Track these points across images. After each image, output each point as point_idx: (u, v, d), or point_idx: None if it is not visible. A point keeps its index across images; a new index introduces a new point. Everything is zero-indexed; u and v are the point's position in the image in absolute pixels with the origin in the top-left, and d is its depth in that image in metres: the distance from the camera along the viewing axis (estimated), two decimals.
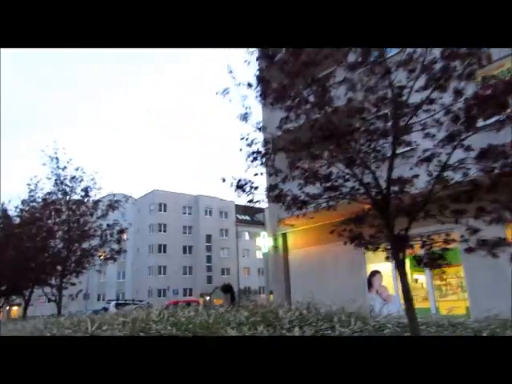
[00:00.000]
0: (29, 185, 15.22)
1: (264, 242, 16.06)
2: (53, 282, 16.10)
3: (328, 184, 5.14)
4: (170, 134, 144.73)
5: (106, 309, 26.63)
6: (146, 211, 54.93)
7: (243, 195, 5.34)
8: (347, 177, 5.14)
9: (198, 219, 57.16)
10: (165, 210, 54.96)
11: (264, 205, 6.06)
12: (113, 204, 15.25)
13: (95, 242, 15.70)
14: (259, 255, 63.06)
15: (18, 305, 56.89)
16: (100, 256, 16.69)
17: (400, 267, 4.54)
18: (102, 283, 55.97)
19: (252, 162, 5.30)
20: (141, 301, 35.20)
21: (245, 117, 5.25)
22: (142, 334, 5.21)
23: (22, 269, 16.79)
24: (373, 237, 4.94)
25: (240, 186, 5.32)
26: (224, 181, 5.44)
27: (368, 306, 9.50)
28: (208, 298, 52.30)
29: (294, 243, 14.64)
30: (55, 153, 14.64)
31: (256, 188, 5.31)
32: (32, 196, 15.30)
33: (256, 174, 5.47)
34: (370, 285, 12.22)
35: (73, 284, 15.31)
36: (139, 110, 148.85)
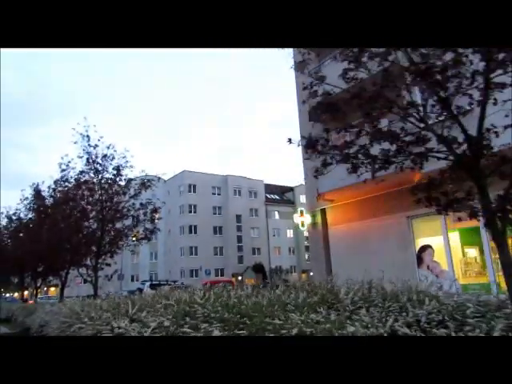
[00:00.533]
0: (60, 164, 14.92)
1: (301, 219, 15.34)
2: (88, 262, 16.00)
3: (401, 141, 4.30)
4: (199, 113, 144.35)
5: (140, 289, 26.73)
6: (176, 192, 55.03)
7: (314, 157, 4.54)
8: (424, 133, 4.28)
9: (228, 199, 56.91)
10: (194, 191, 54.92)
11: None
12: (145, 183, 14.78)
13: (128, 222, 15.39)
14: (290, 234, 62.64)
15: (55, 286, 58.77)
16: (133, 237, 16.42)
17: (498, 237, 3.70)
18: (135, 264, 56.97)
19: (324, 112, 4.46)
20: (175, 281, 35.37)
21: (301, 65, 4.43)
22: (187, 318, 4.63)
23: (57, 250, 16.80)
24: (462, 200, 4.07)
25: (310, 145, 4.52)
26: (290, 141, 4.67)
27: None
28: (240, 277, 52.53)
29: (334, 219, 13.84)
30: (86, 130, 14.24)
31: (333, 147, 4.49)
32: (64, 176, 15.04)
33: (327, 130, 4.67)
34: (419, 261, 11.35)
35: (108, 265, 15.10)
36: (168, 88, 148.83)
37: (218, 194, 57.02)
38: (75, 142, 14.12)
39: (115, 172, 14.35)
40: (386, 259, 11.65)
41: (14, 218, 22.72)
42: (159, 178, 14.80)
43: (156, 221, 15.38)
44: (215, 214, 56.15)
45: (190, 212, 53.98)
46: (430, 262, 11.12)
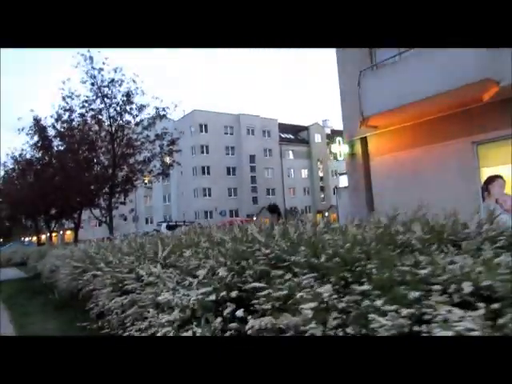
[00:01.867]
0: (62, 89, 12.97)
1: (338, 149, 13.55)
2: (101, 202, 14.73)
3: None
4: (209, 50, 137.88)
5: (157, 231, 25.79)
6: (187, 133, 53.01)
7: None
8: None
9: (240, 139, 54.88)
10: (206, 131, 52.84)
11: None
12: (160, 112, 12.92)
13: (142, 156, 13.82)
14: (304, 175, 61.11)
15: (71, 229, 58.82)
16: (145, 178, 14.94)
17: None
18: (149, 207, 56.54)
19: None
20: (192, 222, 34.57)
21: None
22: (250, 261, 3.17)
23: (67, 190, 15.53)
24: None
25: None
26: None
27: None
28: (255, 218, 51.81)
29: (378, 148, 12.07)
30: (88, 51, 12.24)
31: None
32: (67, 104, 13.18)
33: None
34: (486, 194, 9.70)
35: (122, 203, 13.80)
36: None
37: (231, 134, 54.92)
38: (76, 66, 12.18)
39: (125, 99, 12.49)
40: (442, 192, 10.00)
41: (19, 159, 21.27)
42: (176, 106, 12.89)
43: (174, 153, 13.76)
44: (228, 154, 54.42)
45: (202, 153, 52.32)
46: (500, 195, 9.46)
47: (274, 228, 3.89)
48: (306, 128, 62.77)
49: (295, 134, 62.87)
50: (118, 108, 12.56)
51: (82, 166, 13.56)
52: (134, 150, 13.17)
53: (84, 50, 12.09)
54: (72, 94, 12.91)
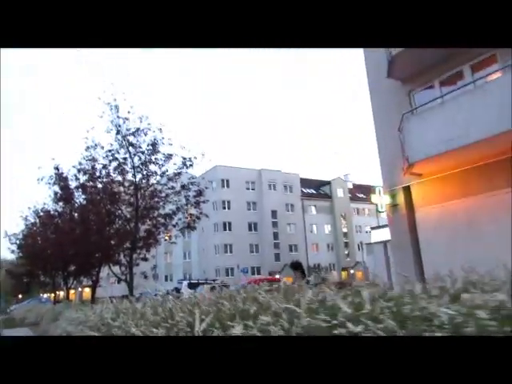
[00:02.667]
0: (86, 138, 12.50)
1: (379, 200, 12.50)
2: (121, 259, 13.82)
3: None
4: (230, 106, 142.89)
5: (178, 289, 24.45)
6: (209, 188, 52.83)
7: None
8: None
9: (262, 194, 54.28)
10: (228, 186, 52.60)
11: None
12: (186, 161, 12.28)
13: (167, 209, 13.03)
14: (327, 230, 59.41)
15: (89, 286, 57.43)
16: (166, 236, 14.08)
17: None
18: (168, 264, 55.31)
19: None
20: (214, 280, 33.09)
21: None
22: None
23: (87, 245, 14.77)
24: None
25: None
26: None
27: None
28: (277, 275, 49.83)
29: (423, 198, 10.99)
30: (114, 99, 11.91)
31: None
32: (90, 154, 12.67)
33: None
34: None
35: (144, 259, 12.82)
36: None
37: (252, 189, 54.45)
38: (101, 116, 11.82)
39: (150, 148, 11.96)
40: (503, 247, 8.73)
41: (40, 213, 20.87)
42: (203, 155, 12.28)
43: (201, 205, 12.93)
44: (250, 209, 53.60)
45: (224, 208, 51.67)
46: None
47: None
48: (328, 182, 62.06)
49: (317, 189, 62.12)
50: (143, 157, 12.03)
51: (103, 219, 12.85)
52: (158, 203, 12.44)
53: (110, 99, 11.80)
54: (96, 144, 12.47)
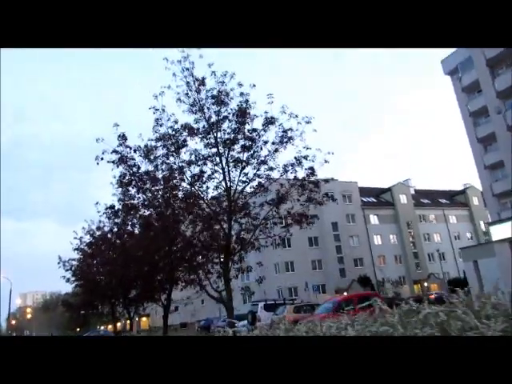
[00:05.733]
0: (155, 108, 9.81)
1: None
2: (201, 277, 10.92)
3: None
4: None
5: (253, 313, 21.07)
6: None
7: None
8: None
9: (321, 206, 50.43)
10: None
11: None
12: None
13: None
14: (393, 240, 54.43)
15: (147, 315, 55.27)
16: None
17: None
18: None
19: None
20: (293, 299, 29.51)
21: None
22: None
23: (154, 261, 11.98)
24: None
25: None
26: None
27: None
28: (345, 293, 45.60)
29: None
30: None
31: None
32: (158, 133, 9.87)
33: None
34: None
35: (241, 271, 9.94)
36: None
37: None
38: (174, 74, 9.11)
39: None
40: None
41: (96, 233, 18.40)
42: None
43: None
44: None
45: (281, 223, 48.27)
46: None
47: None
48: (388, 189, 57.39)
49: (377, 197, 57.52)
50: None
51: (174, 223, 10.03)
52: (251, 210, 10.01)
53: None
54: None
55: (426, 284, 50.89)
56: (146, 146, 10.79)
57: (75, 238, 20.22)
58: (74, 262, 21.49)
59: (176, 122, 10.25)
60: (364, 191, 55.78)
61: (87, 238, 19.85)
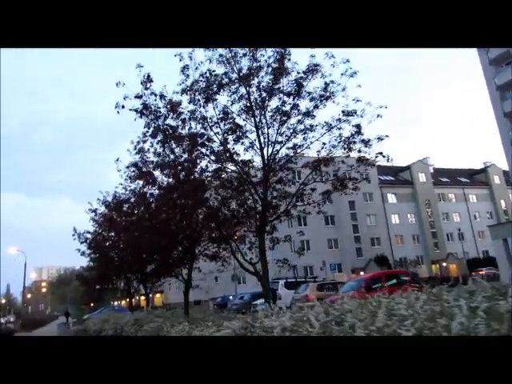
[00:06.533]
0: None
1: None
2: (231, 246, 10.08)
3: None
4: None
5: (273, 290, 20.24)
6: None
7: None
8: None
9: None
10: (299, 177, 48.12)
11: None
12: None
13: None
14: (411, 219, 53.11)
15: (160, 292, 54.97)
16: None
17: None
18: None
19: None
20: (315, 277, 28.64)
21: None
22: None
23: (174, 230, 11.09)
24: None
25: None
26: None
27: None
28: (362, 272, 44.79)
29: None
30: None
31: None
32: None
33: None
34: None
35: (276, 241, 9.15)
36: None
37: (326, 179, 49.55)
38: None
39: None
40: None
41: (112, 201, 17.51)
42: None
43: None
44: (325, 201, 48.65)
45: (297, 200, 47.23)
46: None
47: None
48: (407, 168, 55.70)
49: (395, 175, 55.94)
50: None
51: (198, 185, 9.08)
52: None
53: None
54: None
55: (444, 264, 49.75)
56: (170, 99, 9.66)
57: (90, 209, 19.43)
58: (89, 236, 20.73)
59: (209, 72, 9.12)
60: (382, 169, 54.22)
61: (102, 210, 19.04)
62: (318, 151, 9.59)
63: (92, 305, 53.05)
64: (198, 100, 9.29)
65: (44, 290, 75.32)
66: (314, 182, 9.86)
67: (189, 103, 9.44)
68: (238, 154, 9.76)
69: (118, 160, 12.67)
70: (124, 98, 9.45)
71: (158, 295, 56.45)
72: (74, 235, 20.54)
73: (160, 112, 9.74)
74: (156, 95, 9.63)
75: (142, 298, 40.73)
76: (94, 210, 19.38)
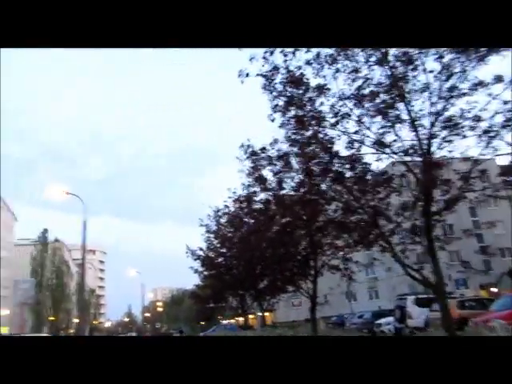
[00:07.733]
0: None
1: None
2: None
3: None
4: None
5: (401, 307, 17.90)
6: None
7: None
8: None
9: None
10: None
11: None
12: None
13: None
14: None
15: (269, 310, 53.77)
16: None
17: None
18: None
19: None
20: (449, 293, 25.32)
21: None
22: None
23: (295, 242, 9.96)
24: None
25: None
26: None
27: None
28: (495, 289, 39.31)
29: None
30: None
31: None
32: None
33: None
34: None
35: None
36: None
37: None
38: None
39: None
40: None
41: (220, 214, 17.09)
42: None
43: None
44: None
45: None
46: None
47: None
48: None
49: None
50: None
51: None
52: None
53: None
54: None
55: None
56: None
57: (201, 224, 19.34)
58: (202, 253, 20.65)
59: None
60: (504, 169, 47.78)
61: (213, 225, 18.82)
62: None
63: (203, 323, 54.07)
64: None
65: (160, 309, 79.76)
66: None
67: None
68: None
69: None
70: (250, 59, 8.18)
71: (266, 314, 55.73)
72: (187, 253, 20.70)
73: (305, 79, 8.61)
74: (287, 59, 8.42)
75: (251, 316, 40.19)
76: (205, 225, 19.22)
